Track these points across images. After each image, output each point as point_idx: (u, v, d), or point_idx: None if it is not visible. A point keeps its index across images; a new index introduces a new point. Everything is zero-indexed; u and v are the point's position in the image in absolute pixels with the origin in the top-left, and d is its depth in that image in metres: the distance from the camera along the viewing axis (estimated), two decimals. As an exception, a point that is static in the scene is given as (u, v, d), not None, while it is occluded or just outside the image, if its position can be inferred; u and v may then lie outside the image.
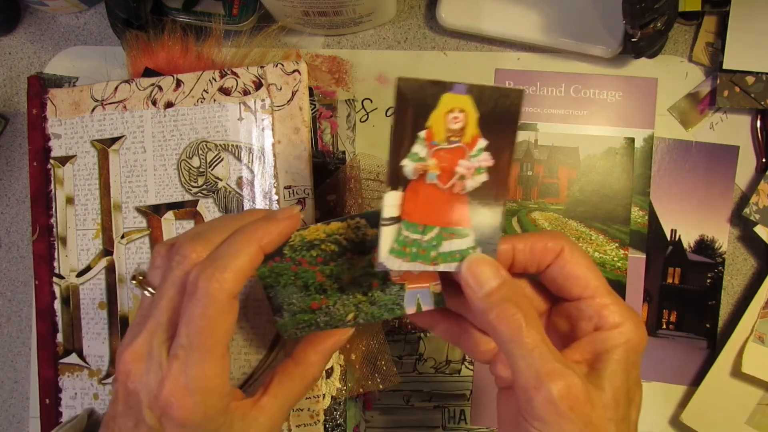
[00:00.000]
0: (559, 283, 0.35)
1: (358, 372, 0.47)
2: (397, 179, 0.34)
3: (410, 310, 0.37)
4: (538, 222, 0.54)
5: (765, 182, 0.52)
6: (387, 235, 0.34)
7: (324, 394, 0.45)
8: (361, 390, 0.47)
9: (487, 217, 0.35)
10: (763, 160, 0.54)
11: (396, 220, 0.35)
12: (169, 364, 0.33)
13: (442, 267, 0.35)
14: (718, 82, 0.53)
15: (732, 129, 0.54)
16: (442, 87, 0.32)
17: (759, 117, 0.54)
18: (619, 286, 0.53)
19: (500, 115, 0.34)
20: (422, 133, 0.33)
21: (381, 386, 0.47)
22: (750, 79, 0.53)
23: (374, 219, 0.36)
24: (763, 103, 0.52)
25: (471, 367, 0.54)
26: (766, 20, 0.53)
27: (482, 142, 0.34)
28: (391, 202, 0.34)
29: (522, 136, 0.54)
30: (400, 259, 0.35)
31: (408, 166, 0.34)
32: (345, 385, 0.47)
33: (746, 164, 0.54)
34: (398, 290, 0.37)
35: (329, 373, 0.46)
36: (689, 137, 0.54)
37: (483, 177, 0.34)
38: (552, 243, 0.35)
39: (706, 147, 0.54)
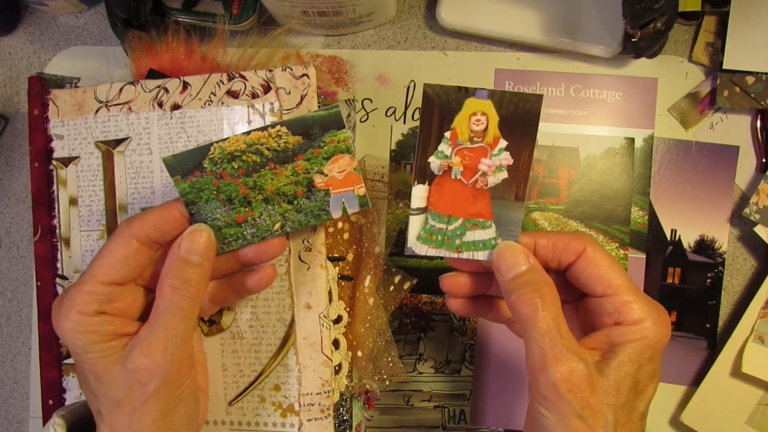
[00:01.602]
0: (583, 281, 0.37)
1: (364, 369, 0.47)
2: (424, 174, 0.38)
3: (336, 214, 0.39)
4: (538, 222, 0.54)
5: (765, 182, 0.52)
6: (414, 224, 0.39)
7: (333, 390, 0.46)
8: (367, 387, 0.47)
9: (508, 211, 0.38)
10: (763, 160, 0.54)
11: (423, 210, 0.38)
12: None
13: (465, 255, 0.38)
14: (718, 82, 0.53)
15: (732, 129, 0.54)
16: (465, 92, 0.36)
17: (759, 117, 0.54)
18: (619, 286, 0.53)
19: (520, 117, 0.37)
20: (447, 134, 0.37)
21: (387, 383, 0.48)
22: (750, 79, 0.53)
23: (295, 126, 0.37)
24: (763, 103, 0.52)
25: (471, 367, 0.54)
26: (766, 20, 0.53)
27: (503, 143, 0.37)
28: (418, 194, 0.38)
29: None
30: (426, 245, 0.39)
31: (434, 162, 0.38)
32: (352, 381, 0.47)
33: (746, 164, 0.54)
34: (323, 196, 0.38)
35: (338, 370, 0.47)
36: (689, 137, 0.54)
37: (504, 174, 0.38)
38: (574, 243, 0.37)
39: (706, 147, 0.54)
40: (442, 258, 0.39)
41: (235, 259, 0.40)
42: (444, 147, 0.37)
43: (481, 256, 0.38)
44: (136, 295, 0.38)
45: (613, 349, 0.34)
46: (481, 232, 0.38)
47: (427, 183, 0.38)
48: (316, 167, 0.38)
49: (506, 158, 0.37)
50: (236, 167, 0.37)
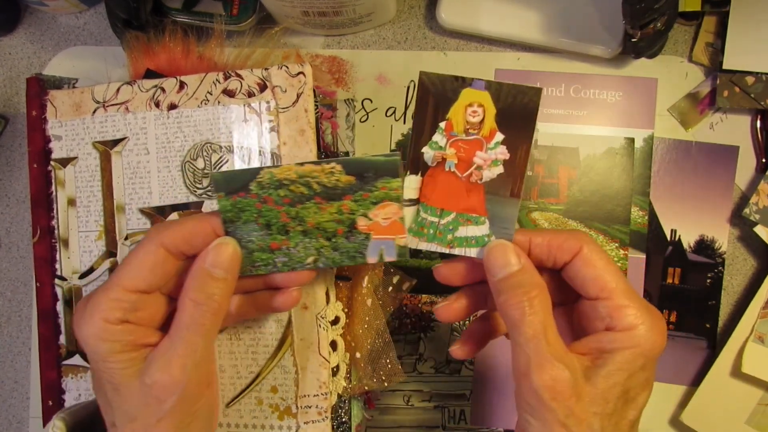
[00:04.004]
0: (577, 282, 0.35)
1: (362, 370, 0.47)
2: (417, 165, 0.37)
3: (372, 260, 0.38)
4: (538, 222, 0.54)
5: (765, 182, 0.52)
6: (406, 215, 0.37)
7: (331, 392, 0.46)
8: (365, 388, 0.47)
9: (502, 208, 0.37)
10: (763, 160, 0.54)
11: (415, 201, 0.38)
12: None
13: (457, 250, 0.37)
14: (718, 82, 0.53)
15: (732, 129, 0.54)
16: (462, 82, 0.35)
17: (759, 117, 0.54)
18: (619, 286, 0.53)
19: (518, 111, 0.36)
20: (442, 124, 0.36)
21: (386, 384, 0.48)
22: (750, 79, 0.53)
23: (351, 166, 0.37)
24: (763, 103, 0.52)
25: (471, 367, 0.54)
26: (766, 20, 0.53)
27: (499, 136, 0.36)
28: (410, 185, 0.37)
29: (522, 136, 0.54)
30: (417, 238, 0.38)
31: (428, 153, 0.37)
32: (350, 383, 0.47)
33: (746, 164, 0.54)
34: (363, 239, 0.37)
35: (335, 372, 0.47)
36: (689, 137, 0.54)
37: (499, 169, 0.37)
38: (570, 241, 0.35)
39: (706, 147, 0.54)
40: (435, 254, 0.38)
41: (262, 280, 0.40)
42: (438, 137, 0.37)
43: (473, 252, 0.37)
44: (159, 303, 0.37)
45: (603, 356, 0.33)
46: (474, 228, 0.37)
47: (420, 174, 0.37)
48: (362, 210, 0.37)
49: (502, 152, 0.36)
50: (282, 195, 0.37)
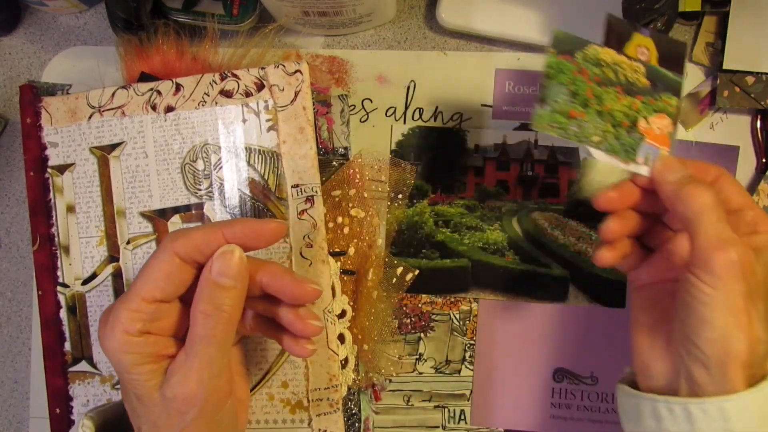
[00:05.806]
0: (722, 197, 0.38)
1: (370, 362, 0.48)
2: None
3: (640, 160, 0.41)
4: (538, 222, 0.54)
5: (765, 182, 0.52)
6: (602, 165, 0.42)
7: (341, 384, 0.46)
8: (374, 379, 0.48)
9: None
10: (763, 160, 0.54)
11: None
12: None
13: (632, 167, 0.41)
14: (718, 82, 0.53)
15: (732, 129, 0.54)
16: (633, 27, 0.42)
17: (759, 117, 0.54)
18: (619, 287, 0.53)
19: (671, 56, 0.42)
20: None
21: (394, 373, 0.48)
22: (750, 79, 0.53)
23: (650, 73, 0.41)
24: (763, 103, 0.52)
25: (471, 367, 0.54)
26: (766, 20, 0.53)
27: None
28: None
29: (522, 136, 0.54)
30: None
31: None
32: (359, 375, 0.48)
33: (746, 164, 0.54)
34: (639, 139, 0.41)
35: (344, 364, 0.47)
36: (689, 137, 0.55)
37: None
38: (712, 169, 0.41)
39: (706, 147, 0.54)
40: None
41: (271, 309, 0.39)
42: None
43: (644, 171, 0.40)
44: (180, 312, 0.37)
45: (759, 250, 0.37)
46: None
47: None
48: (644, 112, 0.41)
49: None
50: (595, 72, 0.40)
